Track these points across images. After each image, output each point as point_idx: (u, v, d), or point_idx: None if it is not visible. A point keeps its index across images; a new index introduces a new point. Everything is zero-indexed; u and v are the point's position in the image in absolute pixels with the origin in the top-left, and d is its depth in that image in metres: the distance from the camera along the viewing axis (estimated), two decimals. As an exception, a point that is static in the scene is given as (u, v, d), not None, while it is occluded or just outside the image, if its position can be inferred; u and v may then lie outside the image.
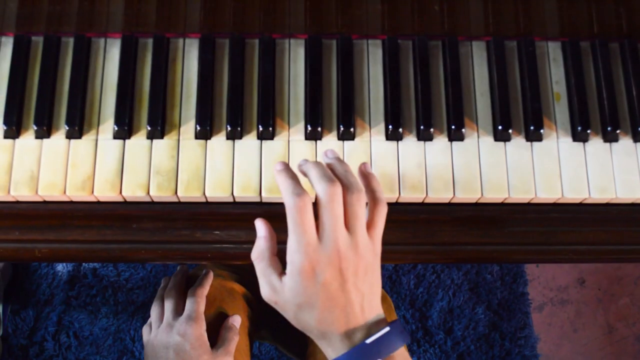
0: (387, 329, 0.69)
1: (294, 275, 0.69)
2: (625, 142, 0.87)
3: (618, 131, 0.86)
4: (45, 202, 0.83)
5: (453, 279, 1.83)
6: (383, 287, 1.80)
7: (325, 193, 0.68)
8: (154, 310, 1.07)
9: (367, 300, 0.70)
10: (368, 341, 0.68)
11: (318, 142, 0.84)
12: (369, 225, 0.72)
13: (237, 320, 1.06)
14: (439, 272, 1.83)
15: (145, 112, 0.84)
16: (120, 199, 0.83)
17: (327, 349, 0.70)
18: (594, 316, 1.90)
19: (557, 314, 1.89)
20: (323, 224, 0.68)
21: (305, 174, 0.72)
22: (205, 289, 1.05)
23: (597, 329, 1.89)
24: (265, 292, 0.71)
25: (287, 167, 0.71)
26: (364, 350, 0.68)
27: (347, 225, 0.69)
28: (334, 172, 0.72)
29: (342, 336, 0.69)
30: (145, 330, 1.07)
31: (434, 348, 1.78)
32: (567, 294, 1.90)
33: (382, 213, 0.73)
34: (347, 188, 0.70)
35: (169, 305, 1.05)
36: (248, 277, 1.18)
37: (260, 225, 0.73)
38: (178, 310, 1.03)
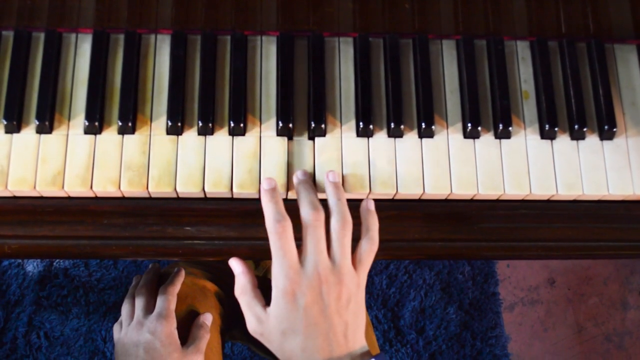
0: None
1: (278, 300, 0.69)
2: (591, 140, 0.88)
3: (585, 129, 0.87)
4: (15, 197, 0.83)
5: (425, 279, 1.84)
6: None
7: (308, 218, 0.69)
8: (125, 308, 1.07)
9: (350, 329, 0.70)
10: None
11: (289, 138, 0.85)
12: (357, 259, 0.73)
13: (208, 318, 1.06)
14: (411, 272, 1.84)
15: (117, 107, 0.84)
16: (91, 195, 0.82)
17: None
18: (563, 316, 1.91)
19: (527, 314, 1.91)
20: (305, 248, 0.69)
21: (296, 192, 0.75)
22: (176, 287, 1.05)
23: (566, 329, 1.91)
24: (252, 324, 0.72)
25: (273, 188, 0.73)
26: None
27: (331, 252, 0.71)
28: (329, 196, 0.74)
29: None
30: (116, 328, 1.07)
31: (406, 348, 1.79)
32: (537, 293, 1.92)
33: (371, 251, 0.74)
34: (335, 216, 0.71)
35: (139, 303, 1.04)
36: (220, 276, 1.18)
37: (236, 264, 0.75)
38: (149, 308, 1.03)
